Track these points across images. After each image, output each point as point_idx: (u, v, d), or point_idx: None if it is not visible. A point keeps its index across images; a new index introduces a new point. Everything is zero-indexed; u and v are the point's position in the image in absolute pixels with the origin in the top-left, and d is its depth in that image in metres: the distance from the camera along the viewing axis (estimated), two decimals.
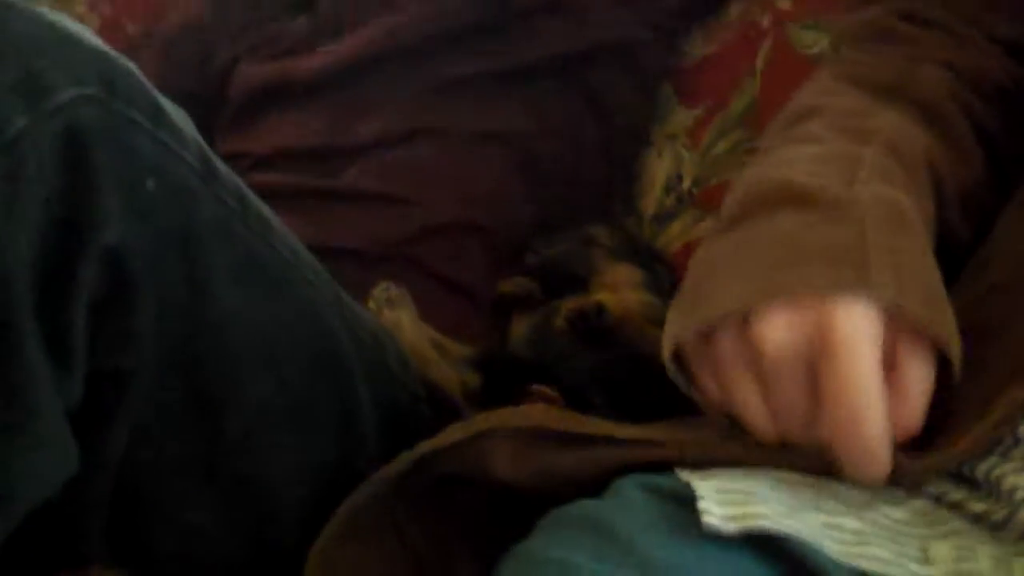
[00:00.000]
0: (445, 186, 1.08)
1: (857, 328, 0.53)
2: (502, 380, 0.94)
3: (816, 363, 0.54)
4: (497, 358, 0.97)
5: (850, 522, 0.53)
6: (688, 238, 1.09)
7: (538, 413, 0.63)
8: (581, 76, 1.14)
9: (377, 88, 1.12)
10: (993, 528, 0.55)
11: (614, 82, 1.15)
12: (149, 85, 0.65)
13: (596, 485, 0.57)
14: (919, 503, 0.57)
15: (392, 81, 1.12)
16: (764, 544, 0.51)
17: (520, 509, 0.60)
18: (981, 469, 0.56)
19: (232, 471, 0.70)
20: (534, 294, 1.05)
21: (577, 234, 1.06)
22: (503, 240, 1.08)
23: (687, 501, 0.52)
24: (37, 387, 0.59)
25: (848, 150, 0.63)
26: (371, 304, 0.93)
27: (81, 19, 1.18)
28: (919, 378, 0.55)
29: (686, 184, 1.12)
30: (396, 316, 0.93)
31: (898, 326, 0.54)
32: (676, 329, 0.58)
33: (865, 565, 0.52)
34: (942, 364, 0.56)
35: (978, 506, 0.55)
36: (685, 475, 0.55)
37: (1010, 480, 0.54)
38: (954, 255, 0.65)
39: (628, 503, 0.54)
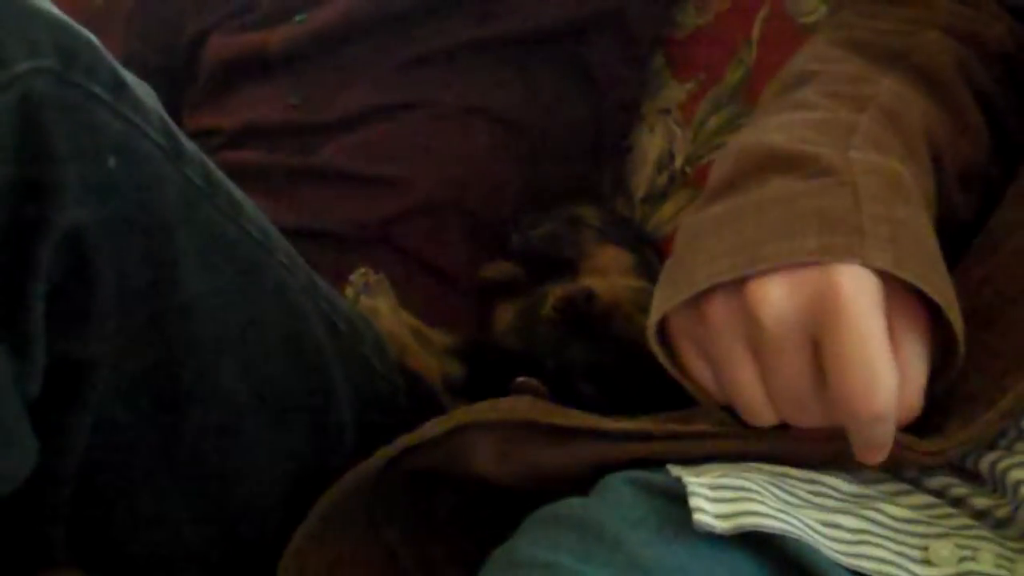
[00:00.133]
0: (426, 164, 1.07)
1: (862, 293, 0.52)
2: (486, 371, 0.94)
3: (818, 334, 0.53)
4: (481, 347, 0.97)
5: (848, 520, 0.53)
6: (681, 219, 1.09)
7: (523, 406, 0.63)
8: (570, 46, 1.14)
9: (355, 60, 1.11)
10: (997, 525, 0.55)
11: (604, 53, 1.14)
12: (110, 57, 0.64)
13: (583, 482, 0.56)
14: (920, 498, 0.57)
15: (371, 53, 1.11)
16: (758, 543, 0.51)
17: (503, 506, 0.60)
18: (985, 463, 0.56)
19: (200, 464, 0.70)
20: (519, 279, 1.04)
21: (564, 214, 1.05)
22: (487, 221, 1.08)
23: (679, 497, 0.52)
24: None
25: (842, 117, 0.62)
26: (348, 290, 0.93)
27: None
28: (917, 355, 0.54)
29: (679, 162, 1.11)
30: (374, 303, 0.92)
31: (894, 302, 0.54)
32: (663, 302, 0.57)
33: (864, 565, 0.52)
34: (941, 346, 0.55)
35: (982, 501, 0.55)
36: (676, 470, 0.55)
37: (1015, 474, 0.54)
38: (953, 233, 0.65)
39: (616, 500, 0.54)
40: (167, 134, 0.67)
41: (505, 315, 1.02)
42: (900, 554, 0.52)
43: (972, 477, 0.57)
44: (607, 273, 1.01)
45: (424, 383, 0.89)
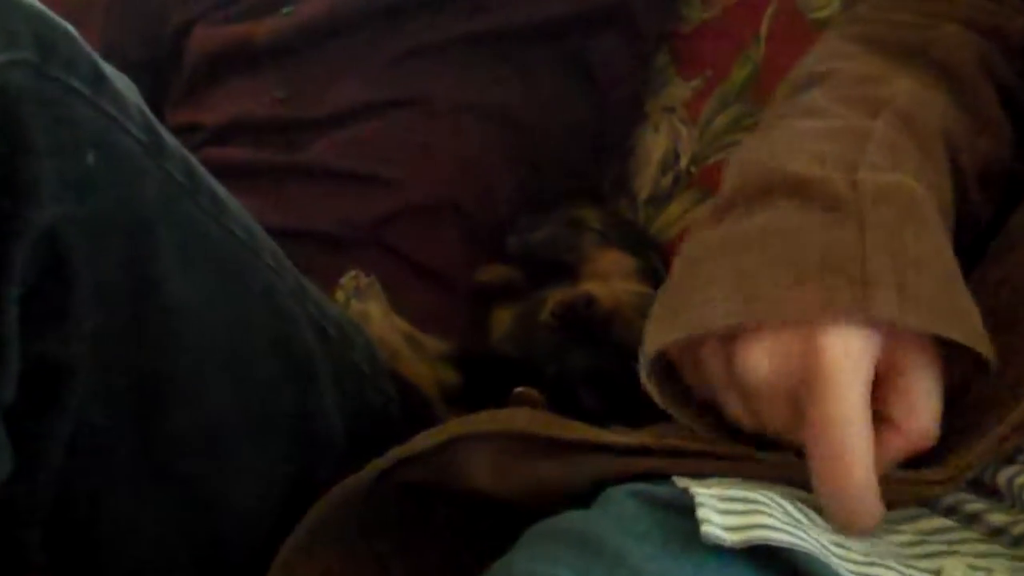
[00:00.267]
0: (420, 162, 1.07)
1: (846, 358, 0.52)
2: (482, 379, 0.94)
3: (801, 394, 0.54)
4: (477, 355, 0.97)
5: (858, 543, 0.53)
6: (686, 222, 1.09)
7: (521, 418, 0.63)
8: (570, 41, 1.13)
9: (346, 54, 1.11)
10: (1014, 543, 0.54)
11: (606, 48, 1.14)
12: (89, 49, 0.64)
13: (583, 496, 0.56)
14: (933, 522, 0.57)
15: (361, 46, 1.11)
16: (768, 557, 0.50)
17: (499, 520, 0.60)
18: (1003, 477, 0.56)
19: (182, 473, 0.70)
20: (517, 283, 1.04)
21: (564, 216, 1.05)
22: (483, 223, 1.08)
23: (684, 510, 0.52)
24: None
25: (855, 125, 0.62)
26: (338, 294, 0.93)
27: None
28: (925, 391, 0.54)
29: (684, 162, 1.11)
30: (365, 307, 0.92)
31: (903, 339, 0.54)
32: (658, 336, 0.58)
33: None
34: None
35: (999, 518, 0.55)
36: (683, 482, 0.54)
37: None
38: (971, 232, 0.65)
39: (619, 513, 0.53)
40: (148, 129, 0.66)
41: (502, 321, 1.02)
42: None
43: (989, 492, 0.57)
44: (608, 277, 1.01)
45: (417, 392, 0.89)
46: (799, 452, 0.55)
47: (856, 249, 0.55)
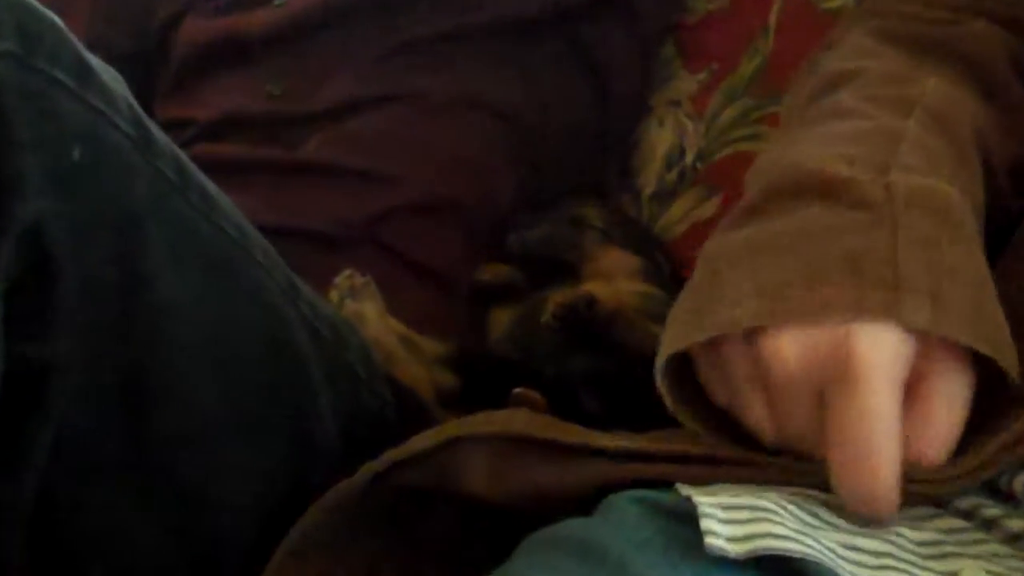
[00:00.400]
0: (417, 159, 1.07)
1: (877, 362, 0.52)
2: (480, 382, 0.94)
3: (826, 394, 0.54)
4: (475, 357, 0.97)
5: (870, 543, 0.53)
6: (692, 219, 1.09)
7: (520, 420, 0.63)
8: (572, 33, 1.14)
9: (340, 47, 1.11)
10: None
11: (609, 40, 1.14)
12: (75, 40, 0.64)
13: (583, 502, 0.56)
14: (948, 522, 0.56)
15: (356, 39, 1.11)
16: (774, 566, 0.50)
17: (495, 525, 0.60)
18: (1019, 483, 0.56)
19: (171, 477, 0.70)
20: (516, 283, 1.04)
21: (566, 214, 1.06)
22: (482, 220, 1.08)
23: (688, 518, 0.52)
24: None
25: (887, 125, 0.62)
26: (332, 294, 0.93)
27: None
28: (948, 399, 0.54)
29: (690, 157, 1.11)
30: (360, 307, 0.92)
31: (931, 346, 0.54)
32: (678, 336, 0.58)
33: None
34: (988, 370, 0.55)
35: (1016, 523, 0.55)
36: (686, 489, 0.54)
37: None
38: (1004, 228, 0.64)
39: (620, 520, 0.53)
40: (136, 123, 0.66)
41: (501, 322, 1.02)
42: None
43: (1006, 498, 0.57)
44: (611, 277, 1.01)
45: (413, 395, 0.89)
46: (808, 460, 0.55)
47: (888, 252, 0.55)
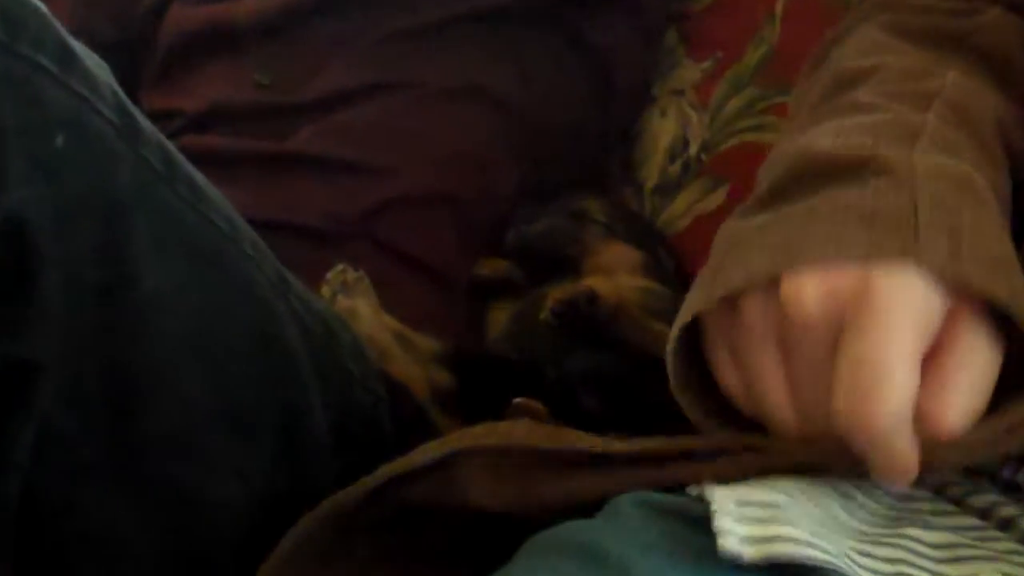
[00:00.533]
0: (412, 150, 1.07)
1: (900, 300, 0.52)
2: (477, 381, 0.93)
3: (843, 335, 0.53)
4: (472, 355, 0.97)
5: (883, 551, 0.53)
6: (696, 212, 1.09)
7: (521, 431, 0.63)
8: (571, 21, 1.13)
9: (332, 35, 1.11)
10: None
11: (611, 28, 1.14)
12: (58, 25, 0.64)
13: (588, 510, 0.56)
14: (964, 519, 0.56)
15: (350, 27, 1.11)
16: (788, 572, 0.50)
17: (496, 536, 0.60)
18: None
19: (158, 478, 0.69)
20: (515, 279, 1.04)
21: (566, 207, 1.05)
22: (480, 214, 1.08)
23: (694, 520, 0.52)
24: None
25: (905, 118, 0.62)
26: (324, 289, 0.93)
27: None
28: (971, 368, 0.54)
29: (693, 149, 1.11)
30: (353, 303, 0.92)
31: (958, 312, 0.53)
32: (693, 302, 0.58)
33: None
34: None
35: None
36: (696, 489, 0.54)
37: None
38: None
39: (624, 523, 0.53)
40: (121, 111, 0.66)
41: (499, 319, 1.02)
42: None
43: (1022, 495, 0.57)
44: (613, 272, 1.01)
45: (408, 394, 0.89)
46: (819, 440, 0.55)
47: (908, 208, 0.55)
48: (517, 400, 0.85)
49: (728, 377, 0.58)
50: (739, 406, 0.59)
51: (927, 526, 0.55)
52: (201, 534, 0.72)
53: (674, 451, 0.58)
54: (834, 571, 0.50)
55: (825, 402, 0.54)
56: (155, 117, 0.98)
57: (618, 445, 0.59)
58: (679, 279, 1.03)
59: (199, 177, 0.72)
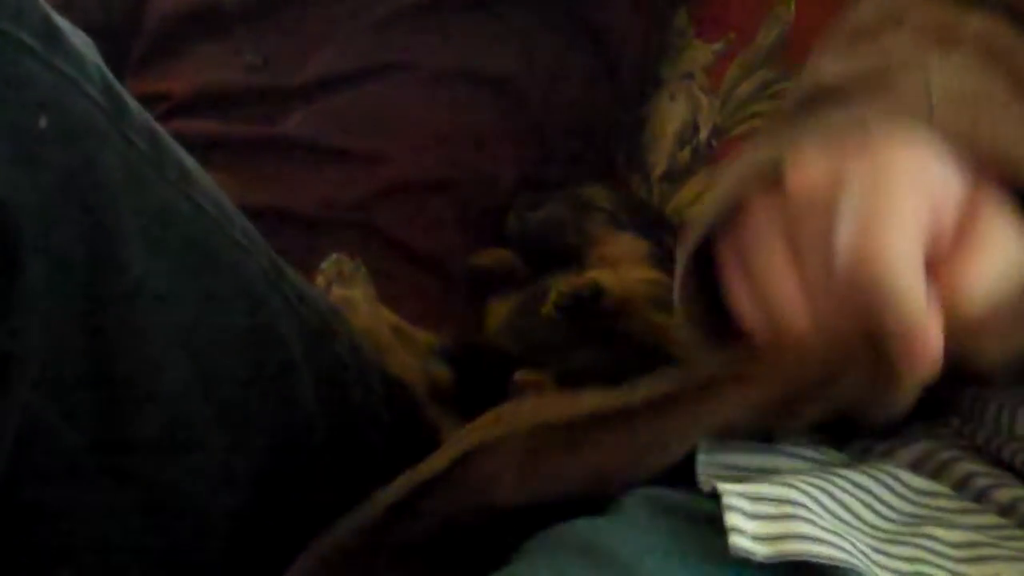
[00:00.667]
0: (409, 136, 1.07)
1: (905, 163, 0.50)
2: (477, 376, 0.93)
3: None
4: (472, 349, 0.97)
5: (901, 549, 0.53)
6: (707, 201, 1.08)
7: (527, 410, 0.62)
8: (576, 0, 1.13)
9: (326, 16, 1.11)
10: None
11: (616, 6, 1.14)
12: (42, 1, 0.64)
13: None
14: (986, 518, 0.57)
15: (345, 6, 1.11)
16: (801, 572, 0.50)
17: (501, 525, 0.59)
18: None
19: (146, 476, 0.69)
20: (516, 269, 1.04)
21: (570, 195, 1.05)
22: (480, 202, 1.08)
23: (704, 518, 0.52)
24: None
25: (930, 58, 0.62)
26: (319, 279, 0.93)
27: None
28: (988, 239, 0.51)
29: (703, 134, 1.11)
30: (348, 294, 0.92)
31: (978, 192, 0.52)
32: (703, 216, 0.57)
33: None
34: None
35: None
36: (709, 481, 0.54)
37: None
38: None
39: (629, 521, 0.53)
40: (107, 91, 0.66)
41: (500, 311, 1.02)
42: None
43: None
44: (618, 263, 1.00)
45: (405, 389, 0.89)
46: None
47: (922, 87, 0.55)
48: (517, 375, 0.84)
49: (738, 291, 0.56)
50: (750, 326, 0.57)
51: (948, 525, 0.55)
52: (190, 535, 0.72)
53: (687, 384, 0.57)
54: (850, 569, 0.50)
55: (827, 268, 0.52)
56: (141, 101, 0.98)
57: (631, 395, 0.58)
58: None
59: (189, 161, 0.72)
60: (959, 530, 0.55)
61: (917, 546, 0.54)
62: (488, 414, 0.64)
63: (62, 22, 0.65)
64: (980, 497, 0.58)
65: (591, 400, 0.59)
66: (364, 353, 0.85)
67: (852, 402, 0.55)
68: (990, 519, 0.56)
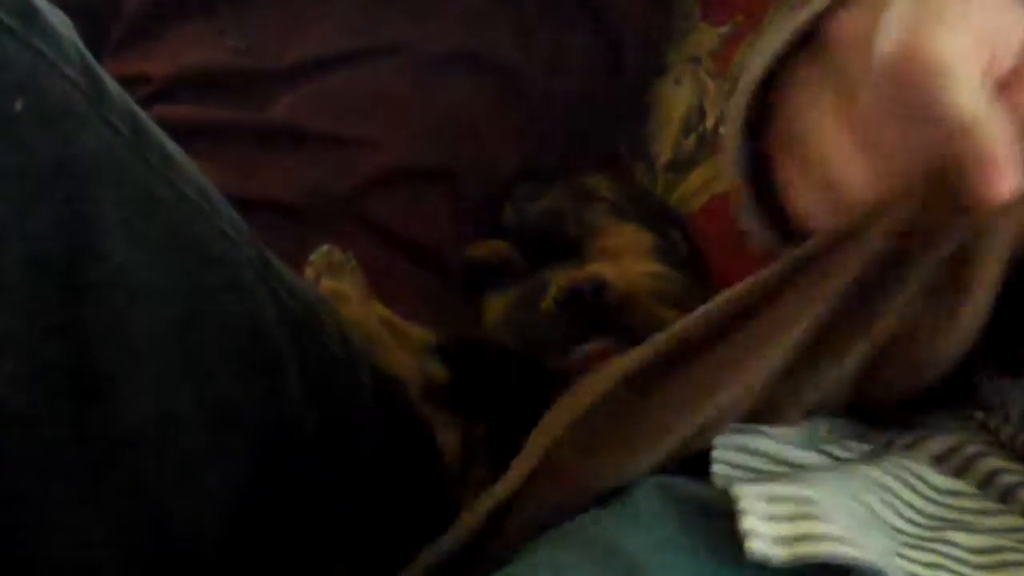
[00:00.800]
0: (401, 122, 1.07)
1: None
2: (473, 374, 0.93)
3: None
4: (467, 346, 0.97)
5: (920, 554, 0.53)
6: (713, 190, 1.09)
7: (559, 418, 0.58)
8: None
9: None
10: None
11: None
12: None
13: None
14: (1009, 520, 0.57)
15: None
16: (821, 572, 0.50)
17: None
18: None
19: (126, 473, 0.69)
20: (514, 261, 1.04)
21: (570, 184, 1.05)
22: (476, 191, 1.08)
23: (715, 512, 0.52)
24: None
25: None
26: (308, 271, 0.93)
27: None
28: None
29: (710, 121, 1.11)
30: (338, 286, 0.92)
31: None
32: (741, 97, 0.56)
33: None
34: None
35: None
36: (723, 479, 0.54)
37: None
38: None
39: (639, 513, 0.53)
40: (87, 72, 0.66)
41: (497, 306, 1.02)
42: None
43: None
44: (621, 256, 1.00)
45: (398, 386, 0.89)
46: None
47: None
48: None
49: (794, 180, 0.56)
50: (813, 218, 0.56)
51: (970, 529, 0.55)
52: (169, 533, 0.72)
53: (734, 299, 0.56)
54: (871, 570, 0.50)
55: (895, 133, 0.51)
56: (120, 83, 0.98)
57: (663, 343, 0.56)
58: (693, 263, 1.03)
59: (171, 146, 0.72)
60: (981, 534, 0.55)
61: (938, 552, 0.54)
62: (555, 406, 0.61)
63: (40, 1, 0.65)
64: (1006, 496, 0.58)
65: (618, 372, 0.57)
66: (354, 347, 0.85)
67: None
68: (1014, 520, 0.56)
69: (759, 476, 0.56)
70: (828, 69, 0.53)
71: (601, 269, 0.96)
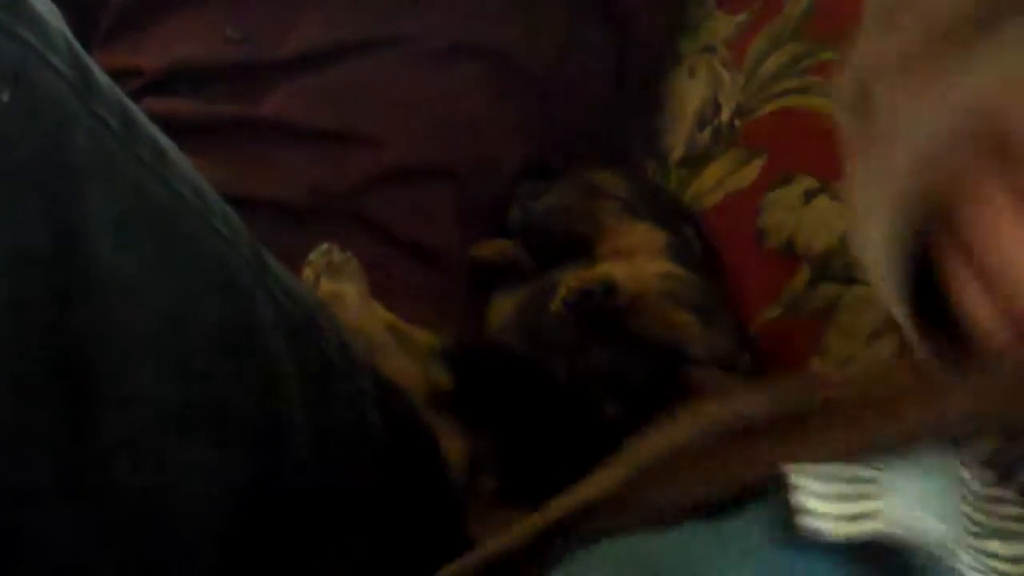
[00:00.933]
0: (402, 117, 1.07)
1: None
2: (479, 379, 0.93)
3: None
4: (473, 350, 0.97)
5: (1002, 548, 0.53)
6: (728, 187, 1.09)
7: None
8: None
9: None
10: None
11: None
12: None
13: None
14: None
15: None
16: (877, 557, 0.49)
17: None
18: None
19: (113, 485, 0.69)
20: (520, 262, 1.04)
21: (579, 181, 1.05)
22: (481, 189, 1.08)
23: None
24: None
25: None
26: (307, 272, 0.93)
27: None
28: None
29: (726, 114, 1.11)
30: (338, 287, 0.92)
31: None
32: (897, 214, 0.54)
33: None
34: None
35: None
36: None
37: None
38: None
39: (687, 532, 0.53)
40: (75, 63, 0.66)
41: (503, 307, 1.02)
42: None
43: None
44: (632, 255, 1.01)
45: (400, 392, 0.89)
46: None
47: None
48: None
49: (970, 292, 0.55)
50: (988, 334, 0.55)
51: (1008, 536, 0.55)
52: (160, 545, 0.72)
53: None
54: (930, 558, 0.49)
55: None
56: (110, 76, 0.98)
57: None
58: (708, 263, 1.03)
59: (163, 141, 0.72)
60: (1018, 543, 0.55)
61: (977, 556, 0.54)
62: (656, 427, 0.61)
63: None
64: None
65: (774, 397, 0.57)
66: (354, 352, 0.85)
67: None
68: None
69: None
70: (1008, 167, 0.51)
71: (612, 270, 0.96)
